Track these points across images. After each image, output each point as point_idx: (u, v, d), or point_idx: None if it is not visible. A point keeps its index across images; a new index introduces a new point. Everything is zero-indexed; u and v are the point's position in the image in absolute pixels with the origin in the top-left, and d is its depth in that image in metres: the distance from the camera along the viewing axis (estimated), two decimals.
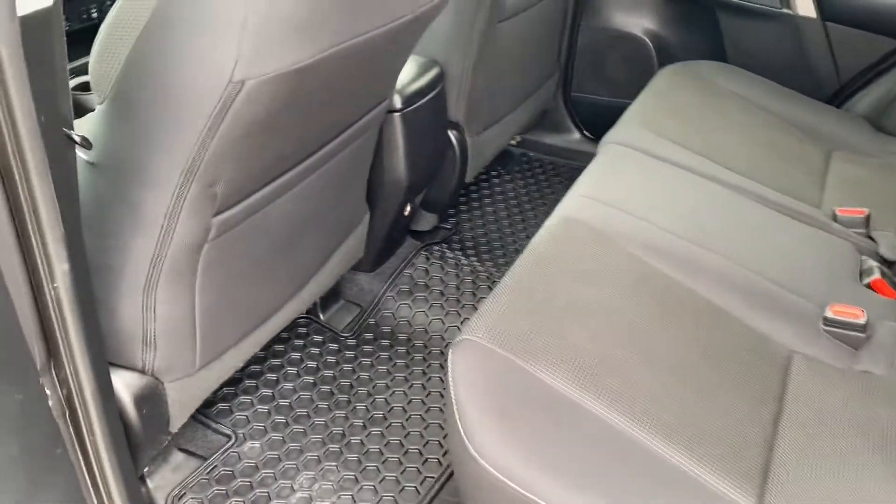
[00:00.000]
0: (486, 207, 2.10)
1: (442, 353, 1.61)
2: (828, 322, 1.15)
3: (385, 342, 1.63)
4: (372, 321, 1.69)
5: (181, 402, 1.24)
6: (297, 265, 1.41)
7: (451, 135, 1.76)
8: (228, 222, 1.13)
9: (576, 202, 1.32)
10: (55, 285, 0.83)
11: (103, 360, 0.98)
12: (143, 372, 1.16)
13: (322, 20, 0.94)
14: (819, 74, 1.96)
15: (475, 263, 1.87)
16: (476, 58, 1.69)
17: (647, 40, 2.13)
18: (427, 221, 1.93)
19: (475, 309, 1.70)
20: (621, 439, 0.91)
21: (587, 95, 2.28)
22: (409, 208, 1.70)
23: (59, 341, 0.87)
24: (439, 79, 1.65)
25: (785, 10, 1.93)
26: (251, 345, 1.36)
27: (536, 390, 0.94)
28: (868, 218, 1.43)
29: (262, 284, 1.32)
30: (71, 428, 0.94)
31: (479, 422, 0.92)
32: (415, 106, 1.56)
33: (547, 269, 1.13)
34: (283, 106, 1.00)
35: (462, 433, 0.92)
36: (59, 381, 0.90)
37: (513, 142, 2.34)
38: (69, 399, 0.92)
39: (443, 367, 1.56)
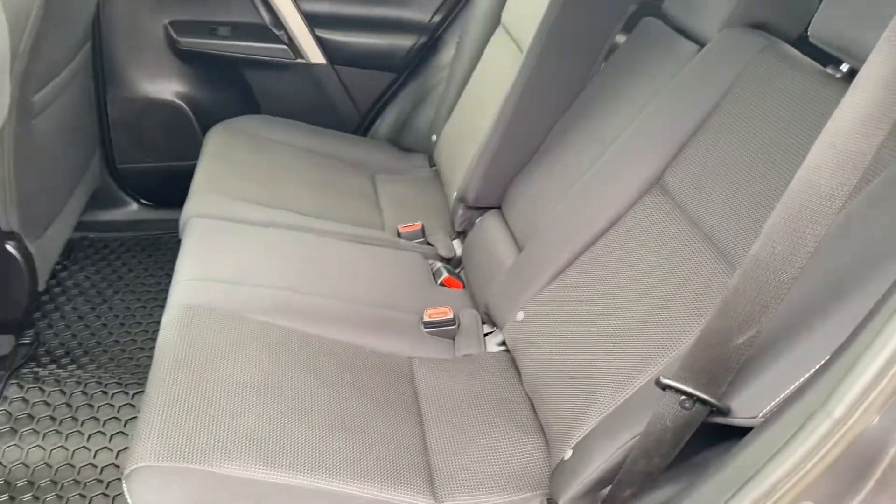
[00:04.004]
0: (63, 307, 1.93)
1: (82, 493, 1.46)
2: (427, 325, 1.40)
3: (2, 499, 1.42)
4: None
5: None
6: None
7: (10, 247, 1.58)
8: None
9: (186, 288, 1.33)
10: None
11: None
12: None
13: None
14: (342, 110, 2.25)
15: (78, 372, 1.72)
16: (13, 162, 1.54)
17: (181, 103, 2.18)
18: (2, 345, 1.71)
19: (98, 422, 1.59)
20: (311, 495, 1.00)
21: (134, 165, 2.24)
22: None
23: None
24: None
25: (299, 61, 2.17)
26: None
27: (230, 487, 0.98)
28: (423, 228, 1.74)
29: None
30: None
31: None
32: None
33: (189, 367, 1.14)
34: None
35: None
36: None
37: None
38: None
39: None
